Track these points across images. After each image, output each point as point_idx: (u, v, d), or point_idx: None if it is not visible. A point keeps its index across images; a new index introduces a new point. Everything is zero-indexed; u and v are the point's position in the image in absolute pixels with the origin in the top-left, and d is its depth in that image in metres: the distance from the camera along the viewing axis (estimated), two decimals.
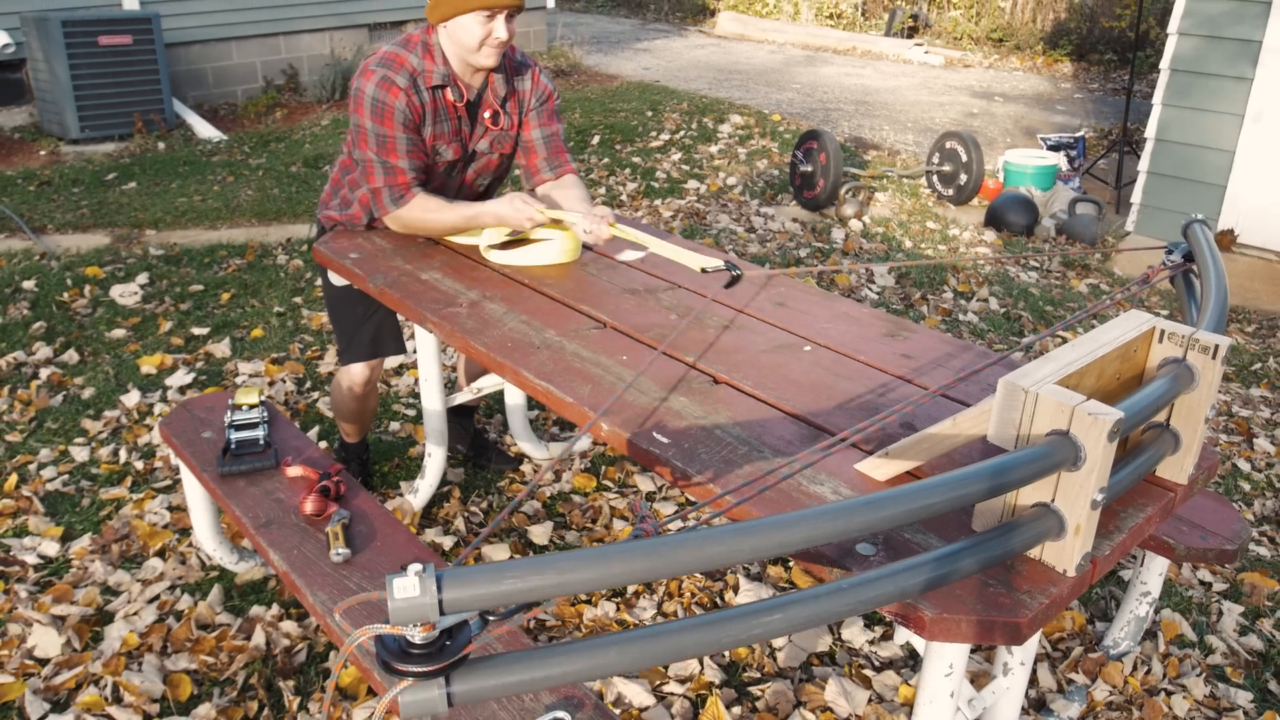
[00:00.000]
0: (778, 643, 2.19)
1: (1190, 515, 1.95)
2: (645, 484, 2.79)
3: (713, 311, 1.98)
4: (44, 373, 3.28)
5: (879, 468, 1.37)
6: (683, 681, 2.06)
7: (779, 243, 4.77)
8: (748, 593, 2.31)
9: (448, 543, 2.49)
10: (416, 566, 0.76)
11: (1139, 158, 5.12)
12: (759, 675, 2.10)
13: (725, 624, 0.85)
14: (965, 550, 1.08)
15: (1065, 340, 3.86)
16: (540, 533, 2.54)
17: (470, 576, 0.78)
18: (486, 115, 2.27)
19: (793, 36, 11.43)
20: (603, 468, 2.86)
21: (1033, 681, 2.12)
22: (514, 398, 2.87)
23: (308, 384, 3.28)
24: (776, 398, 1.62)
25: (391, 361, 3.43)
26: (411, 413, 3.10)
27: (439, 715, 0.82)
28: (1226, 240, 4.81)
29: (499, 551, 2.45)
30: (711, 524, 0.95)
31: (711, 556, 0.84)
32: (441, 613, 0.76)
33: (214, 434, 2.14)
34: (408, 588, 0.75)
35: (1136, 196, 5.06)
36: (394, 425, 3.03)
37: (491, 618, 0.83)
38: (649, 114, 7.03)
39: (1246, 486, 2.93)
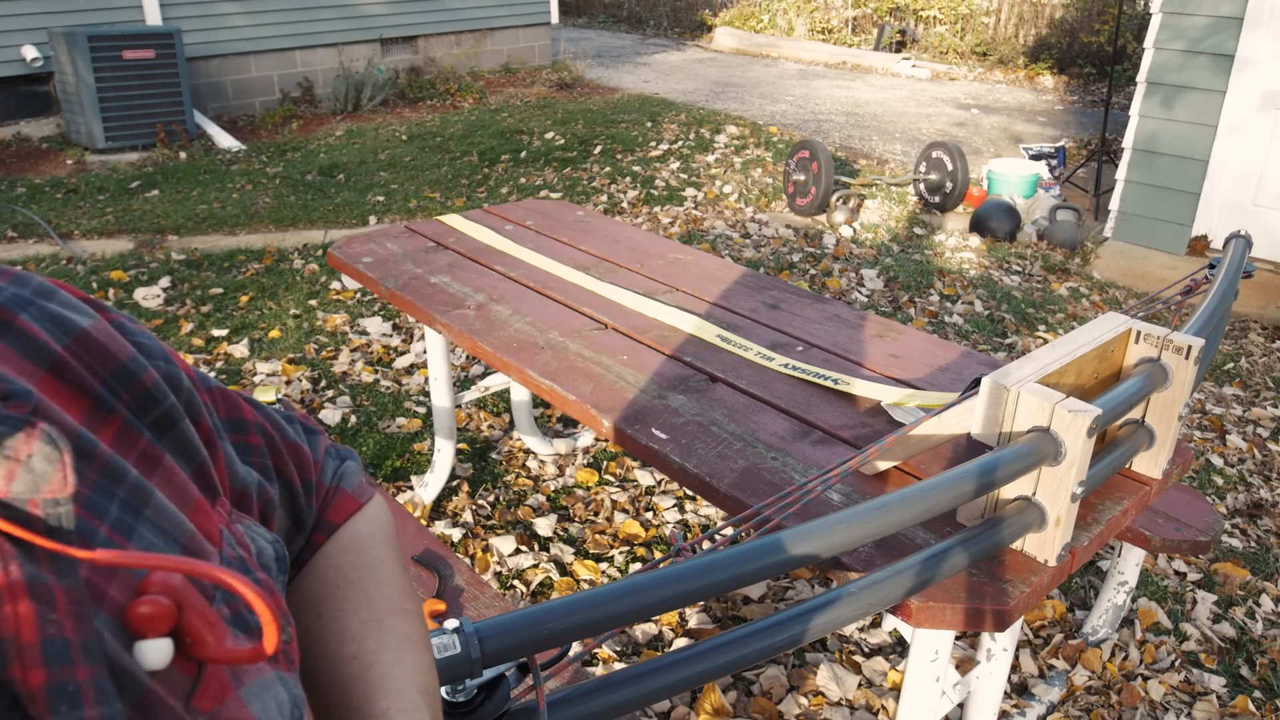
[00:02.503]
0: None
1: (1166, 508, 1.95)
2: (645, 478, 2.79)
3: (711, 315, 1.98)
4: None
5: (869, 465, 1.37)
6: None
7: (773, 248, 4.77)
8: None
9: (456, 534, 2.49)
10: (453, 623, 0.69)
11: (1117, 167, 5.12)
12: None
13: (752, 639, 0.84)
14: (958, 545, 1.08)
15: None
16: (544, 525, 2.54)
17: (509, 626, 0.71)
18: None
19: (786, 51, 11.43)
20: (604, 463, 2.86)
21: (1015, 667, 2.12)
22: (519, 395, 2.87)
23: (323, 383, 3.28)
24: (771, 396, 1.62)
25: (402, 361, 3.43)
26: (422, 410, 3.10)
27: None
28: (1200, 246, 4.81)
29: (505, 543, 2.45)
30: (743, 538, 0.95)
31: (740, 576, 0.82)
32: (485, 667, 0.69)
33: None
34: (447, 646, 0.69)
35: (1114, 204, 5.05)
36: (404, 421, 3.03)
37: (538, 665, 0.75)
38: (648, 125, 7.03)
39: (1219, 481, 2.93)
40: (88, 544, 0.39)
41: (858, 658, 2.13)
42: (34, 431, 0.39)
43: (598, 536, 2.52)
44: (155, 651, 0.38)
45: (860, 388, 1.63)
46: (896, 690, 2.04)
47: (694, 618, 2.25)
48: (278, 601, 0.48)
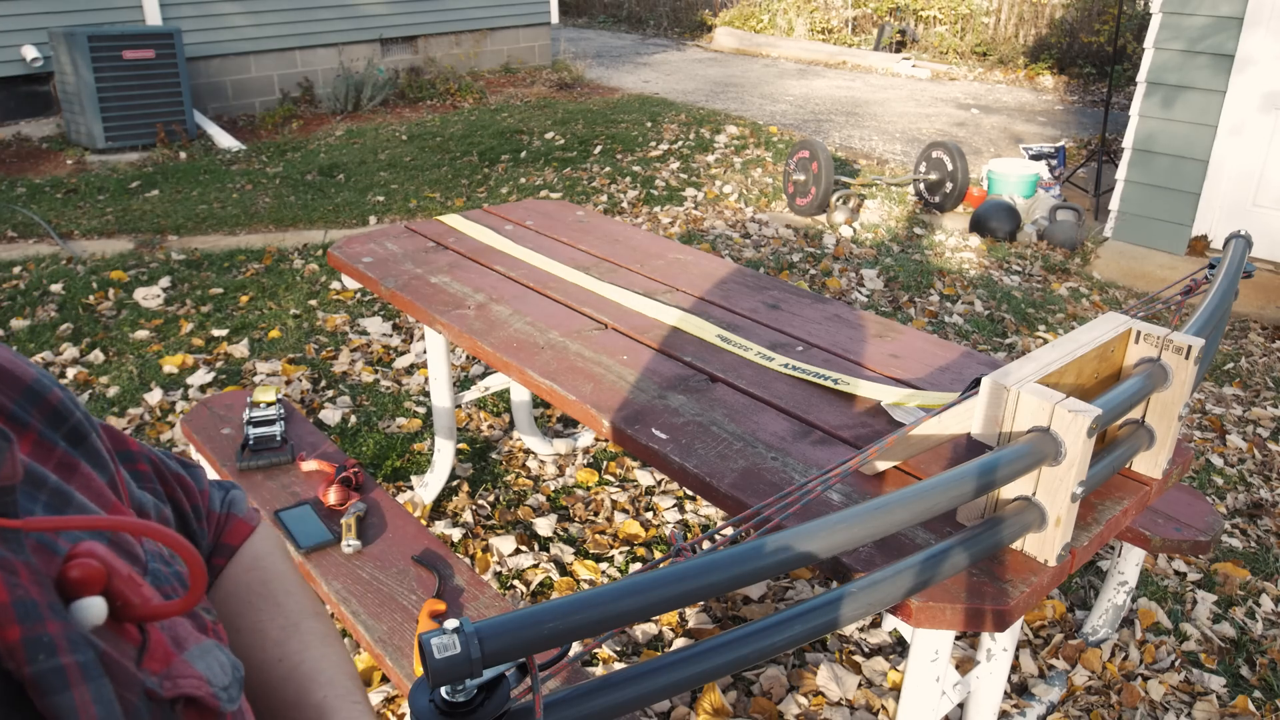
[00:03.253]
0: None
1: (1166, 508, 1.95)
2: (645, 478, 2.79)
3: (710, 315, 1.98)
4: (71, 372, 3.28)
5: (869, 465, 1.37)
6: None
7: (773, 248, 4.77)
8: None
9: (456, 534, 2.49)
10: (453, 623, 0.69)
11: (1117, 167, 5.12)
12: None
13: (752, 639, 0.84)
14: (958, 545, 1.08)
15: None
16: (544, 525, 2.54)
17: (509, 626, 0.71)
18: None
19: (786, 51, 11.42)
20: (604, 463, 2.86)
21: (1015, 667, 2.12)
22: (519, 395, 2.87)
23: (322, 383, 3.28)
24: (771, 396, 1.62)
25: (402, 361, 3.43)
26: (422, 410, 3.10)
27: None
28: (1200, 246, 4.81)
29: (505, 543, 2.45)
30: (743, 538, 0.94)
31: (740, 576, 0.83)
32: (484, 667, 0.69)
33: (233, 430, 2.15)
34: (447, 646, 0.68)
35: (1114, 204, 5.05)
36: (404, 421, 3.03)
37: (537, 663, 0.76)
38: (649, 125, 7.03)
39: (1219, 481, 2.93)
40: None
41: (858, 658, 2.13)
42: None
43: (598, 536, 2.52)
44: (92, 608, 0.40)
45: (860, 388, 1.63)
46: (896, 690, 2.04)
47: (694, 618, 2.25)
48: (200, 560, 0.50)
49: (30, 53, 6.03)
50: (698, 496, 2.68)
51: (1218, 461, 3.04)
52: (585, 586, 2.33)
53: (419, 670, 1.43)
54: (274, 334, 3.63)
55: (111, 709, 0.39)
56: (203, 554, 0.67)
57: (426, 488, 2.61)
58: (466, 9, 8.33)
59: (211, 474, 2.14)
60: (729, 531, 0.98)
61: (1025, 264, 4.82)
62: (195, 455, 2.21)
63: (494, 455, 2.90)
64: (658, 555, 2.46)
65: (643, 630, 2.19)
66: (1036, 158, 6.25)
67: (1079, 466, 1.11)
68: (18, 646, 0.37)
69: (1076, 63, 10.32)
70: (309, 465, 2.00)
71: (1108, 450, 1.30)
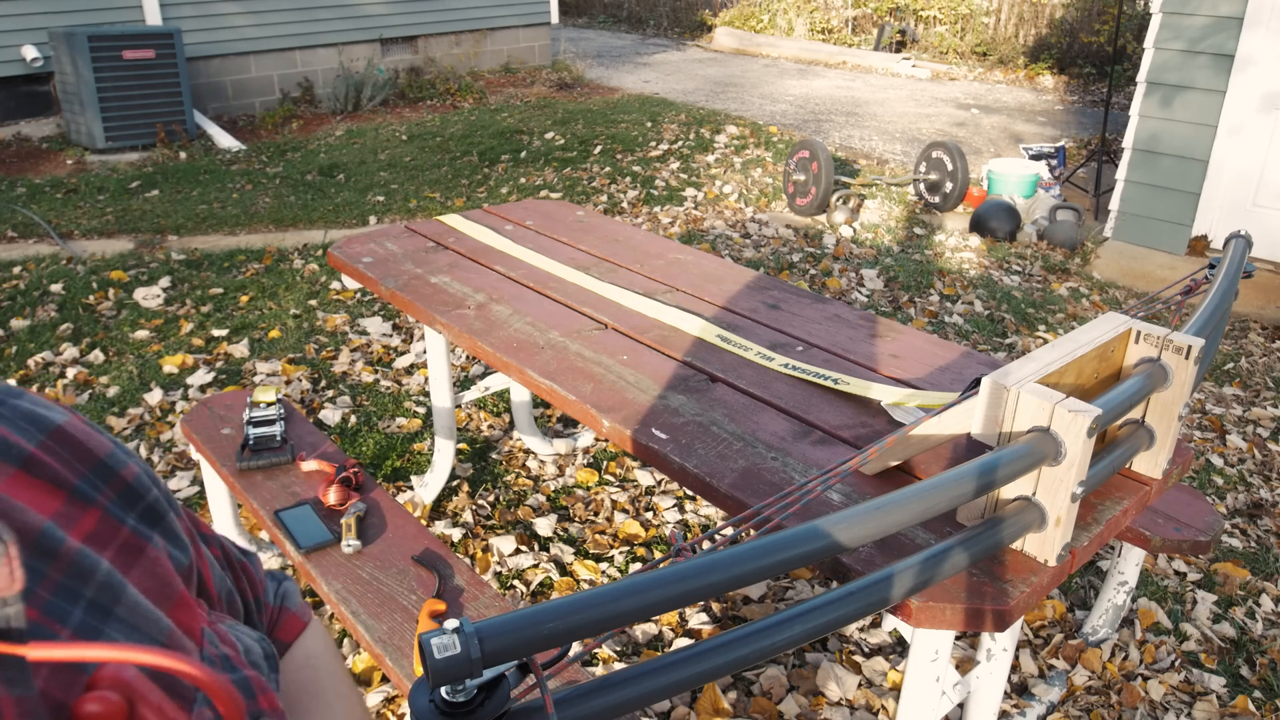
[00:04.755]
0: None
1: (1166, 508, 1.95)
2: (645, 478, 2.79)
3: (710, 315, 1.98)
4: (71, 372, 3.28)
5: (869, 465, 1.37)
6: None
7: (773, 248, 4.77)
8: None
9: (456, 534, 2.49)
10: (453, 623, 0.69)
11: (1117, 167, 5.12)
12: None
13: (752, 639, 0.83)
14: (958, 545, 1.08)
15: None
16: (545, 525, 2.54)
17: (510, 626, 0.71)
18: None
19: (786, 51, 11.42)
20: (604, 463, 2.86)
21: (1015, 667, 2.12)
22: (519, 395, 2.87)
23: (322, 383, 3.28)
24: (771, 395, 1.62)
25: (402, 361, 3.43)
26: (422, 410, 3.10)
27: None
28: (1200, 246, 4.81)
29: (505, 543, 2.45)
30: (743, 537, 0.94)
31: (740, 576, 0.83)
32: (485, 667, 0.69)
33: (233, 430, 2.15)
34: (447, 646, 0.68)
35: (1114, 204, 5.05)
36: (404, 421, 3.03)
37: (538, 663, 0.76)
38: (648, 125, 7.03)
39: (1219, 481, 2.93)
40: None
41: (858, 658, 2.13)
42: None
43: (598, 536, 2.52)
44: None
45: (860, 388, 1.63)
46: (896, 690, 2.04)
47: (694, 618, 2.25)
48: (269, 696, 0.47)
49: (30, 53, 6.03)
50: (698, 496, 2.68)
51: (1218, 461, 3.04)
52: (585, 586, 2.33)
53: (419, 670, 1.43)
54: (274, 334, 3.63)
55: None
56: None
57: (426, 488, 2.61)
58: (466, 9, 8.33)
59: (210, 472, 2.14)
60: (729, 531, 0.98)
61: (1025, 264, 4.82)
62: (195, 455, 2.21)
63: (494, 455, 2.90)
64: (658, 555, 2.46)
65: (643, 630, 2.19)
66: (1036, 158, 6.25)
67: (1079, 466, 1.11)
68: None
69: (1076, 63, 10.32)
70: (309, 465, 2.00)
71: (1108, 450, 1.30)
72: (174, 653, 0.39)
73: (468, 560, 2.41)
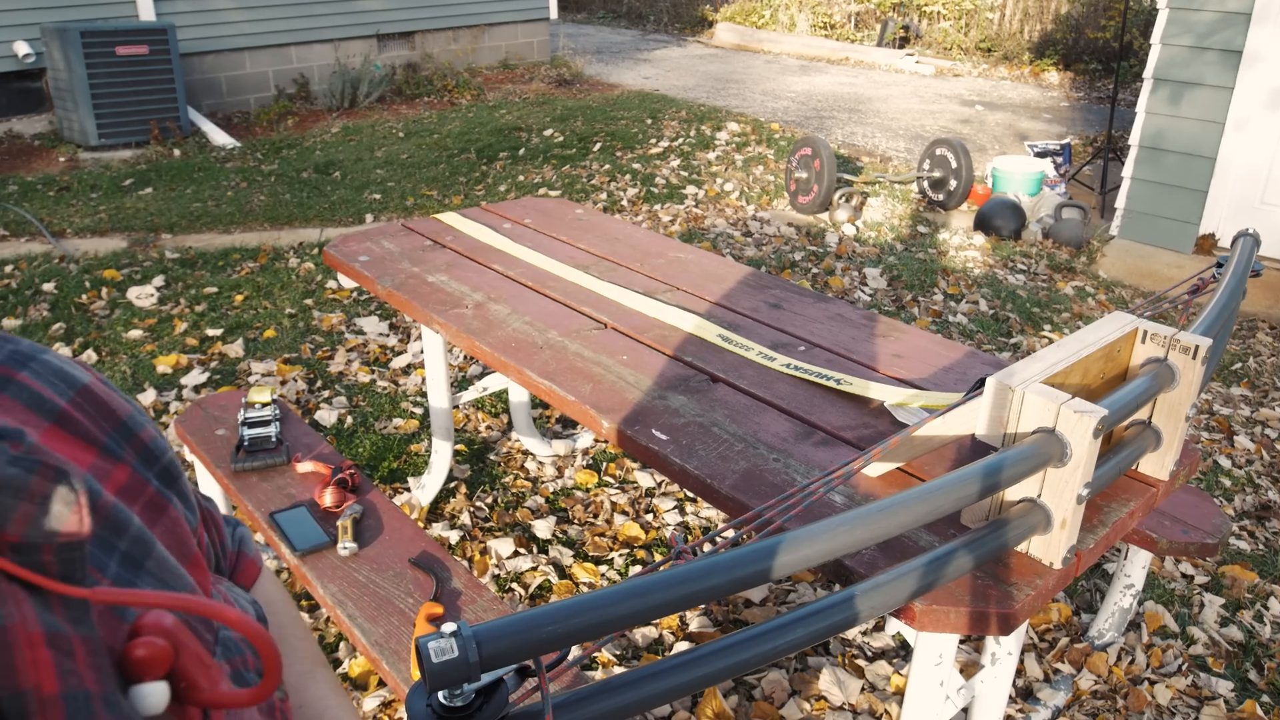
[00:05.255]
0: None
1: (1172, 510, 1.95)
2: (645, 480, 2.79)
3: (711, 314, 1.98)
4: None
5: (872, 466, 1.37)
6: None
7: (774, 246, 4.77)
8: None
9: (454, 537, 2.49)
10: (451, 626, 0.69)
11: (1123, 164, 5.12)
12: None
13: (754, 643, 0.83)
14: (962, 547, 1.08)
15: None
16: (543, 527, 2.54)
17: (508, 629, 0.71)
18: None
19: (788, 47, 11.42)
20: (604, 464, 2.86)
21: (1020, 671, 2.12)
22: (518, 396, 2.87)
23: (318, 383, 3.28)
24: (772, 396, 1.62)
25: (399, 361, 3.43)
26: (419, 410, 3.10)
27: None
28: (1208, 244, 4.81)
29: (504, 545, 2.45)
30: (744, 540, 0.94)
31: (741, 579, 0.82)
32: (483, 671, 0.69)
33: (228, 431, 2.15)
34: (445, 650, 0.68)
35: (1121, 202, 5.05)
36: (401, 422, 3.03)
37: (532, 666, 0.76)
38: (649, 122, 7.03)
39: (1227, 482, 2.93)
40: None
41: (861, 662, 2.13)
42: (49, 471, 0.38)
43: (597, 539, 2.52)
44: (153, 695, 0.37)
45: (863, 388, 1.63)
46: (900, 695, 2.04)
47: (695, 621, 2.25)
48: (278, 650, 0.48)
49: (22, 49, 6.03)
50: (698, 498, 2.68)
51: (1225, 463, 3.04)
52: (584, 589, 2.33)
53: (416, 674, 1.43)
54: (269, 334, 3.63)
55: None
56: None
57: (424, 489, 2.61)
58: (464, 4, 8.34)
59: (204, 474, 2.14)
60: (730, 534, 0.98)
61: (1030, 263, 4.82)
62: (190, 457, 2.21)
63: (492, 456, 2.90)
64: (658, 558, 2.46)
65: (643, 634, 2.19)
66: (1042, 155, 6.25)
67: (1085, 468, 1.11)
68: None
69: (1082, 58, 10.32)
70: (305, 467, 2.00)
71: (1114, 451, 1.30)
72: (218, 603, 0.41)
73: (465, 563, 2.41)
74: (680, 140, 6.61)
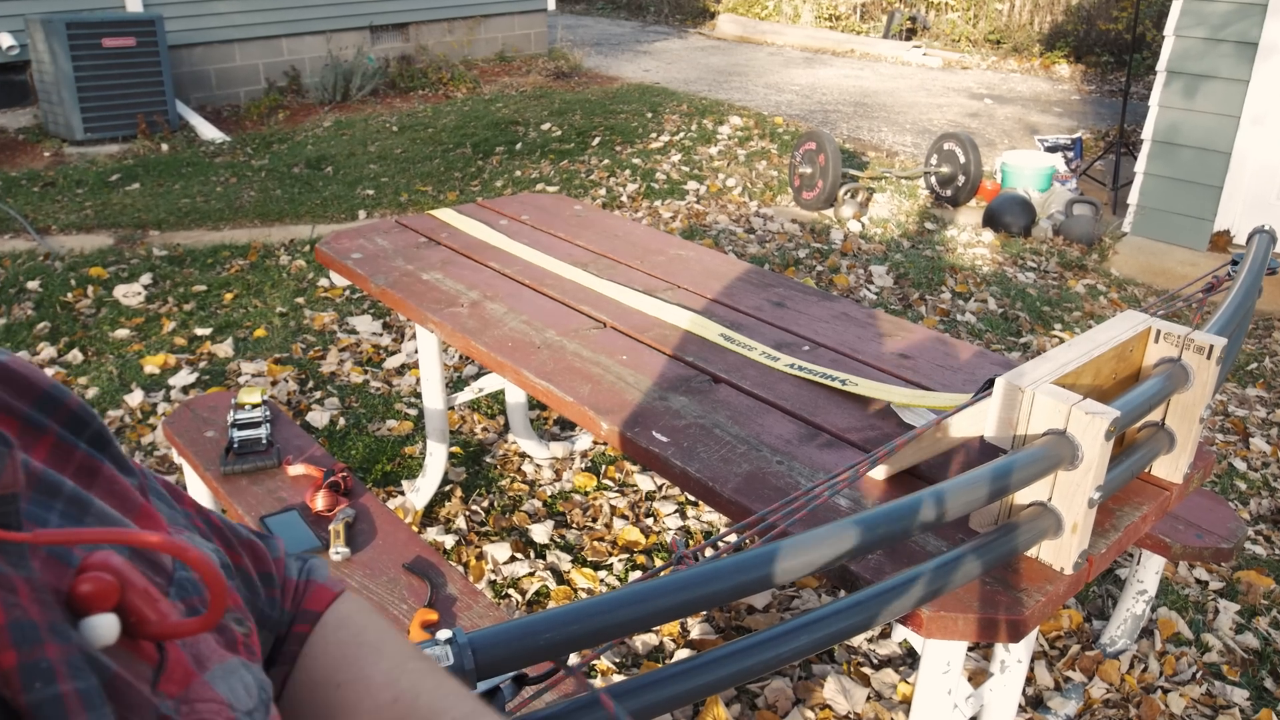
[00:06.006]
0: None
1: (1186, 514, 1.95)
2: (645, 483, 2.79)
3: (713, 313, 1.98)
4: (48, 373, 3.28)
5: (878, 469, 1.37)
6: None
7: (778, 243, 4.77)
8: None
9: (449, 541, 2.49)
10: (446, 633, 0.69)
11: (1136, 159, 5.13)
12: None
13: (756, 650, 0.83)
14: (970, 552, 1.08)
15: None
16: (541, 531, 2.54)
17: (504, 636, 0.71)
18: None
19: (792, 39, 11.43)
20: (603, 467, 2.86)
21: (1030, 679, 2.12)
22: (515, 397, 2.87)
23: (310, 384, 3.28)
24: (776, 397, 1.62)
25: (393, 361, 3.43)
26: (413, 412, 3.10)
27: None
28: (1222, 241, 4.81)
29: (500, 550, 2.45)
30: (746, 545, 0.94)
31: (744, 585, 0.82)
32: (479, 680, 0.70)
33: (217, 433, 2.15)
34: (440, 657, 0.68)
35: (1133, 198, 5.06)
36: (394, 423, 3.03)
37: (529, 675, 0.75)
38: (649, 115, 7.04)
39: (1242, 486, 2.93)
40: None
41: (866, 669, 2.13)
42: None
43: (596, 544, 2.52)
44: (101, 626, 0.39)
45: (869, 389, 1.63)
46: (907, 703, 2.04)
47: (696, 628, 2.25)
48: (233, 596, 0.50)
49: (6, 40, 6.03)
50: (700, 502, 2.68)
51: (1240, 465, 3.04)
52: (583, 595, 2.33)
53: None
54: (259, 333, 3.63)
55: None
56: (281, 623, 0.66)
57: (418, 493, 2.61)
58: None
59: (193, 477, 2.14)
60: (732, 538, 0.98)
61: (1041, 260, 4.83)
62: (177, 459, 2.21)
63: (488, 459, 2.90)
64: (658, 563, 2.46)
65: (643, 641, 2.19)
66: (1052, 150, 6.25)
67: (1096, 470, 1.11)
68: (13, 673, 0.36)
69: (1094, 51, 10.32)
70: (296, 469, 2.00)
71: (1126, 454, 1.30)
72: (163, 534, 0.43)
73: (461, 568, 2.41)
74: (681, 134, 6.61)
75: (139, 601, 0.41)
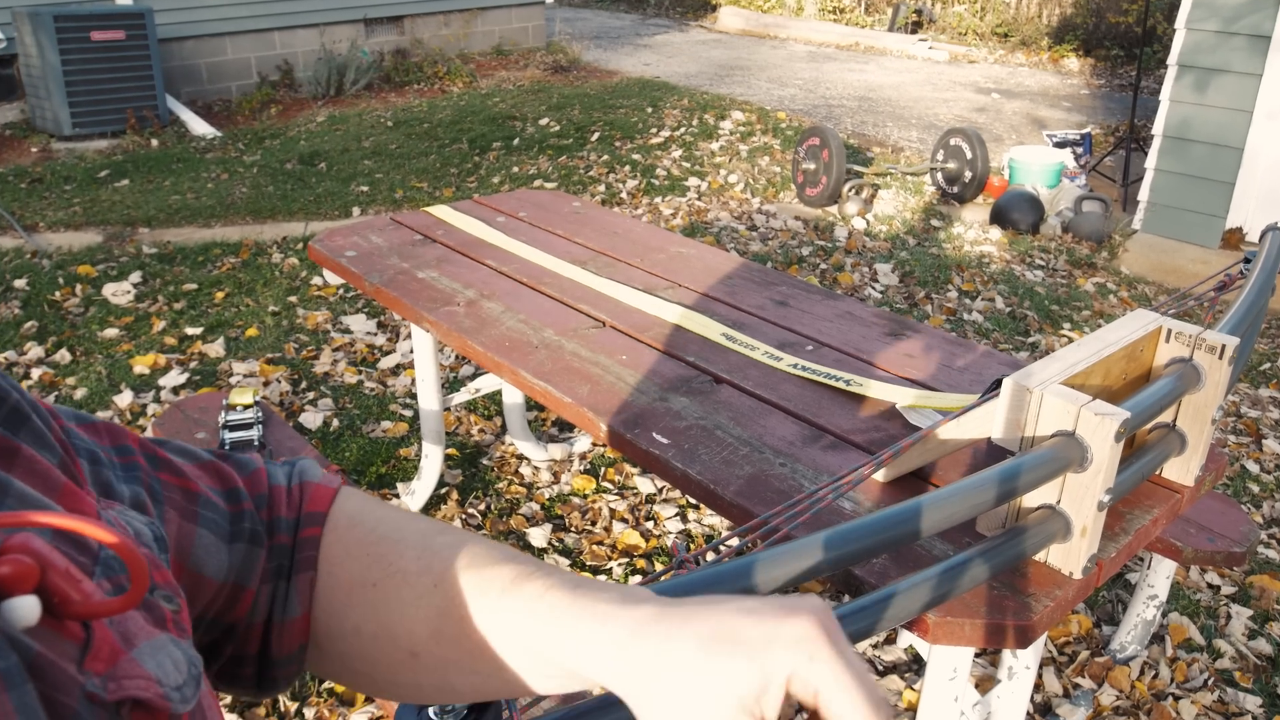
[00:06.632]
0: None
1: (1198, 517, 1.95)
2: (645, 486, 2.79)
3: (715, 312, 1.98)
4: (35, 373, 3.28)
5: (883, 472, 1.37)
6: None
7: (781, 241, 4.78)
8: None
9: None
10: None
11: (1146, 155, 5.13)
12: None
13: None
14: (977, 556, 1.08)
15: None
16: (539, 535, 2.54)
17: None
18: None
19: (795, 32, 11.43)
20: (602, 469, 2.86)
21: (1038, 686, 2.12)
22: (512, 398, 2.87)
23: (303, 384, 3.28)
24: (779, 398, 1.62)
25: (387, 361, 3.43)
26: (408, 413, 3.10)
27: None
28: (1235, 239, 4.81)
29: None
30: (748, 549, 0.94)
31: (747, 590, 0.83)
32: None
33: (208, 435, 2.15)
34: None
35: (1144, 194, 5.06)
36: (389, 425, 3.03)
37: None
38: (649, 110, 7.04)
39: (1255, 488, 2.93)
40: None
41: (871, 676, 2.13)
42: None
43: (595, 548, 2.52)
44: (21, 607, 0.40)
45: (874, 389, 1.63)
46: (913, 711, 2.04)
47: None
48: (163, 572, 0.51)
49: None
50: (701, 505, 2.68)
51: (1253, 468, 3.04)
52: None
53: None
54: (251, 332, 3.63)
55: (35, 716, 0.39)
56: (287, 530, 0.67)
57: (413, 496, 2.61)
58: None
59: None
60: (734, 542, 0.98)
61: (1049, 258, 4.83)
62: None
63: (485, 461, 2.90)
64: (659, 567, 2.46)
65: None
66: (1061, 145, 6.25)
67: (1106, 473, 1.11)
68: None
69: (1103, 44, 10.33)
70: None
71: (1137, 456, 1.30)
72: (84, 517, 0.44)
73: None
74: (682, 130, 6.61)
75: (61, 582, 0.42)
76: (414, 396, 3.21)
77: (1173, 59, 4.80)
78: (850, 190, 5.33)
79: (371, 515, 0.68)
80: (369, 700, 2.00)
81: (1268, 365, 3.82)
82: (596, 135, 6.41)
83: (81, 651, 0.43)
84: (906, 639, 2.23)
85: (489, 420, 3.11)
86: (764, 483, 1.38)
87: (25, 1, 6.05)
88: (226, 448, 2.04)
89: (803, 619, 0.51)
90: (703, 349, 1.80)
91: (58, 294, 3.88)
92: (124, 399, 3.13)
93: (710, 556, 0.92)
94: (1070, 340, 3.89)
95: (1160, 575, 2.14)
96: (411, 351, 3.49)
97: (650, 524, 2.64)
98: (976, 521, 1.25)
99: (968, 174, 5.51)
